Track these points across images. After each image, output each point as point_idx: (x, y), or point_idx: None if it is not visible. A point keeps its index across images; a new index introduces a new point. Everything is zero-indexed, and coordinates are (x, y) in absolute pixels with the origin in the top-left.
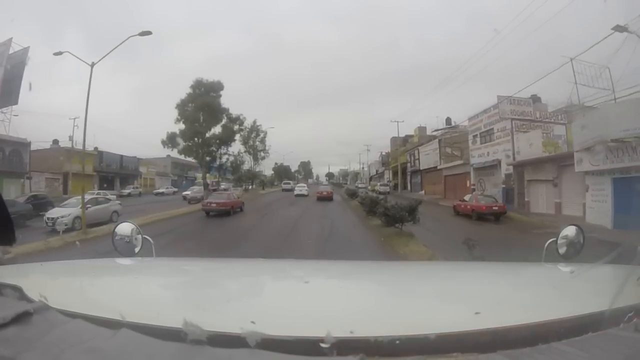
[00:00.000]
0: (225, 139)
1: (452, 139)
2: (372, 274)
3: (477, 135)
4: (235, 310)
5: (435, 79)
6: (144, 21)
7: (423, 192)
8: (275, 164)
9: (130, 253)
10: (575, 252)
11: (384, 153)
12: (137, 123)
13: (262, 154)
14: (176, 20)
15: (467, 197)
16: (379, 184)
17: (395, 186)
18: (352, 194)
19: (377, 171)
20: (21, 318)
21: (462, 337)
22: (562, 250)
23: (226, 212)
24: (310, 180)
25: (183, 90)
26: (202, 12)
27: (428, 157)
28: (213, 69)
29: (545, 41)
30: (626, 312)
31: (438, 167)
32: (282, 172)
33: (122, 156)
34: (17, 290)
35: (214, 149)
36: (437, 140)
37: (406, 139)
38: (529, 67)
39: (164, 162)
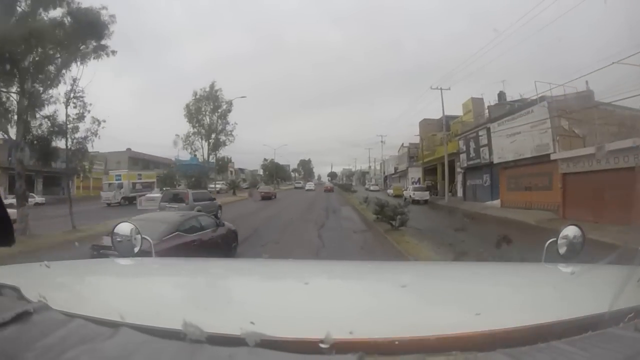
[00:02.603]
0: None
1: (568, 103)
2: (371, 274)
3: None
4: (235, 310)
5: (438, 79)
6: (146, 22)
7: (499, 201)
8: (265, 160)
9: (129, 253)
10: (576, 253)
11: (405, 145)
12: (139, 123)
13: (223, 137)
14: (178, 21)
15: None
16: (410, 187)
17: (430, 189)
18: (394, 216)
19: (396, 169)
20: (21, 318)
21: (462, 338)
22: (562, 251)
23: (269, 197)
24: (314, 180)
25: (184, 91)
26: (204, 13)
27: (516, 140)
28: (216, 70)
29: (547, 38)
30: (626, 314)
31: (551, 157)
32: (273, 171)
33: None
34: (17, 290)
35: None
36: (542, 105)
37: (446, 120)
38: (531, 64)
39: (118, 156)
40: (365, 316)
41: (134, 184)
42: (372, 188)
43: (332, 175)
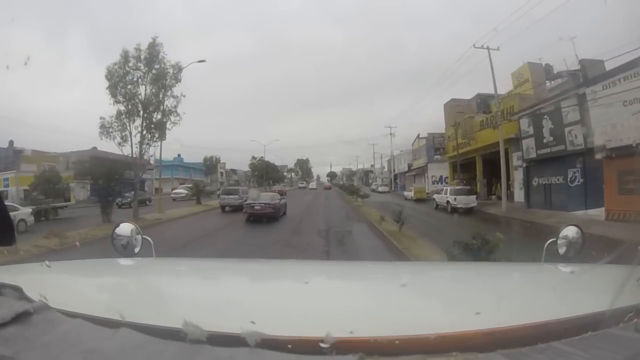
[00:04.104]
0: None
1: None
2: (372, 274)
3: None
4: (235, 310)
5: (438, 79)
6: (148, 22)
7: (601, 210)
8: (253, 158)
9: (130, 253)
10: (575, 253)
11: (421, 136)
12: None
13: (166, 117)
14: (180, 21)
15: None
16: (448, 188)
17: (471, 188)
18: None
19: (410, 166)
20: (21, 318)
21: (462, 337)
22: (562, 251)
23: (282, 194)
24: (315, 181)
25: (187, 90)
26: (206, 14)
27: None
28: (218, 70)
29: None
30: (626, 313)
31: None
32: (264, 171)
33: None
34: (17, 290)
35: None
36: None
37: (483, 99)
38: (533, 58)
39: (79, 156)
40: (365, 315)
41: (26, 192)
42: (380, 189)
43: (332, 175)
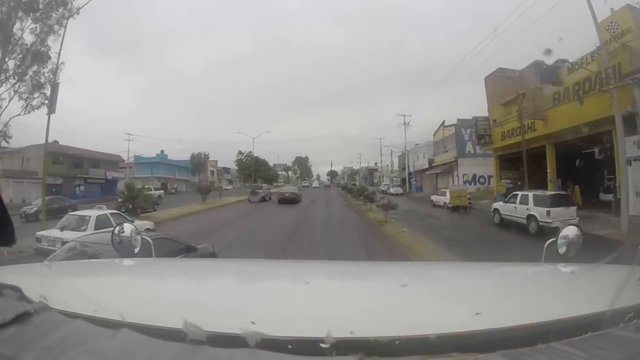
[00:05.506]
0: None
1: None
2: (372, 274)
3: None
4: (235, 310)
5: (441, 78)
6: (148, 23)
7: None
8: (240, 152)
9: (130, 254)
10: (575, 253)
11: (447, 124)
12: (143, 124)
13: (30, 63)
14: (181, 22)
15: None
16: (529, 195)
17: (568, 196)
18: None
19: (430, 162)
20: (21, 318)
21: (463, 337)
22: (562, 251)
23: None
24: (316, 180)
25: (189, 90)
26: (207, 15)
27: None
28: (219, 71)
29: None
30: (626, 313)
31: None
32: (251, 168)
33: None
34: (17, 290)
35: None
36: None
37: (549, 66)
38: (533, 56)
39: (36, 151)
40: (365, 315)
41: None
42: (392, 190)
43: (332, 174)
